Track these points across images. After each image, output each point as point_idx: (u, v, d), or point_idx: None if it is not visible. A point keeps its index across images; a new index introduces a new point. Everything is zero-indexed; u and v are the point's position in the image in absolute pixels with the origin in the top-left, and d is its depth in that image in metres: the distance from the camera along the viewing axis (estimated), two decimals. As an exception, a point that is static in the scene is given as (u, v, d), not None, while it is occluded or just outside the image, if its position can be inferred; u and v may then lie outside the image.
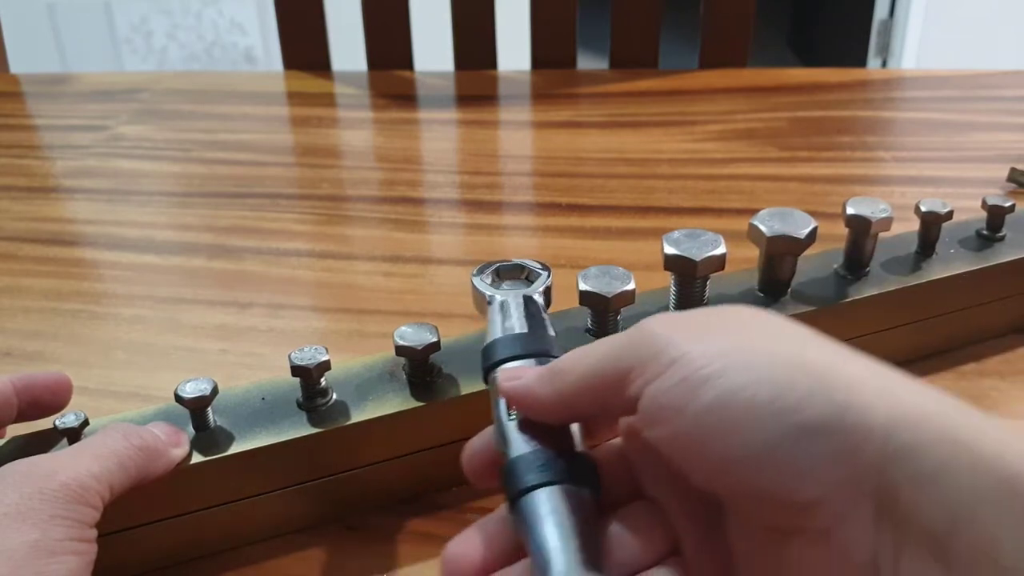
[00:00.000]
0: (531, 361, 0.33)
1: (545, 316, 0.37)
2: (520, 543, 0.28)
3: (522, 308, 0.37)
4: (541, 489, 0.28)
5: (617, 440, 0.32)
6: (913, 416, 0.24)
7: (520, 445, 0.30)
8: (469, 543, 0.29)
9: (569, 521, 0.27)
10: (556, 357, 0.33)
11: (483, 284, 0.39)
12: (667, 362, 0.26)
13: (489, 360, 0.34)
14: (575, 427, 0.31)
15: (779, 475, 0.24)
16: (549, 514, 0.27)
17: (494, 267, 0.40)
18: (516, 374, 0.31)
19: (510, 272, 0.40)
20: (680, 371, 0.26)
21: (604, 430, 0.32)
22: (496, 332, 0.35)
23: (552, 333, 0.35)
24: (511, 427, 0.30)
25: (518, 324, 0.35)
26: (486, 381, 0.34)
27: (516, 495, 0.28)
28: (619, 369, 0.28)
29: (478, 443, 0.32)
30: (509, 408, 0.31)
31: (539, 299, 0.38)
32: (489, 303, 0.38)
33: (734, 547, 0.28)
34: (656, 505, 0.29)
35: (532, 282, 0.39)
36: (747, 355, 0.26)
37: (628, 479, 0.30)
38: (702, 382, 0.25)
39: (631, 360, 0.28)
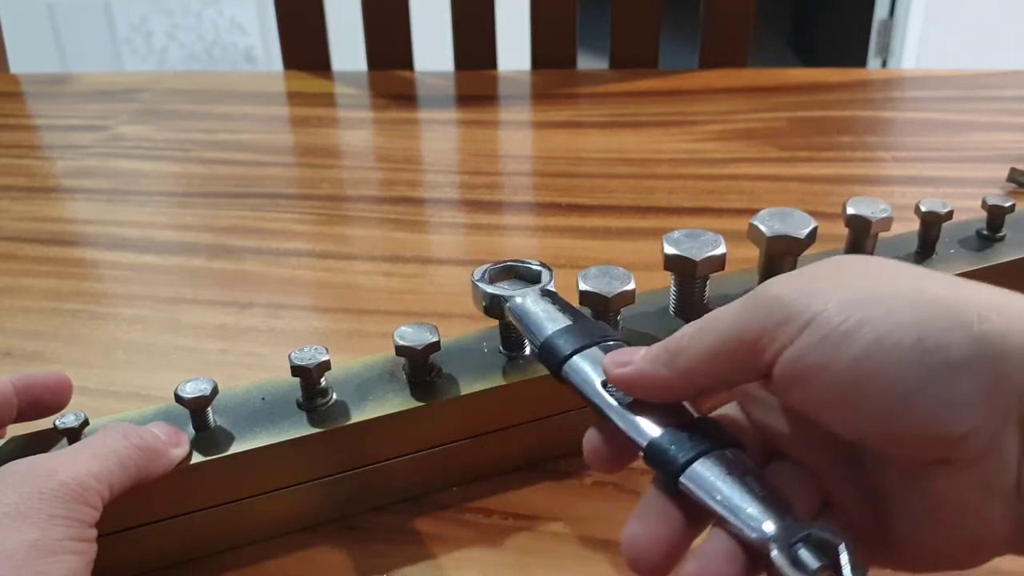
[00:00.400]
0: (597, 348, 0.33)
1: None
2: (687, 518, 0.28)
3: (551, 302, 0.37)
4: (703, 459, 0.28)
5: (730, 405, 0.32)
6: None
7: (653, 424, 0.29)
8: (644, 523, 0.28)
9: (749, 481, 0.27)
10: (618, 340, 0.33)
11: (496, 287, 0.39)
12: (801, 324, 0.27)
13: (559, 355, 0.33)
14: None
15: (932, 414, 0.25)
16: (725, 479, 0.27)
17: (486, 270, 0.40)
18: (622, 359, 0.31)
19: (501, 273, 0.41)
20: (818, 331, 0.26)
21: (709, 400, 0.33)
22: (542, 328, 0.35)
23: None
24: (629, 410, 0.30)
25: (561, 316, 0.35)
26: (558, 378, 0.34)
27: (678, 471, 0.28)
28: (745, 339, 0.28)
29: (595, 435, 0.31)
30: (609, 391, 0.31)
31: (554, 291, 0.38)
32: (510, 305, 0.38)
33: (882, 488, 0.28)
34: (795, 463, 0.29)
35: (532, 279, 0.40)
36: (879, 302, 0.26)
37: (758, 442, 0.31)
38: (844, 337, 0.26)
39: (757, 328, 0.28)
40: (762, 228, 0.43)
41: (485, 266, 0.40)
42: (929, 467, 0.26)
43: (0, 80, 1.00)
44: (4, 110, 0.93)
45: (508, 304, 0.38)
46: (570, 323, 0.35)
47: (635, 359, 0.30)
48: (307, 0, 0.98)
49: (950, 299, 0.26)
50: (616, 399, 0.31)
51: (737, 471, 0.27)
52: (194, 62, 2.18)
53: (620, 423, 0.30)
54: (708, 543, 0.27)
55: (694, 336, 0.29)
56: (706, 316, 0.30)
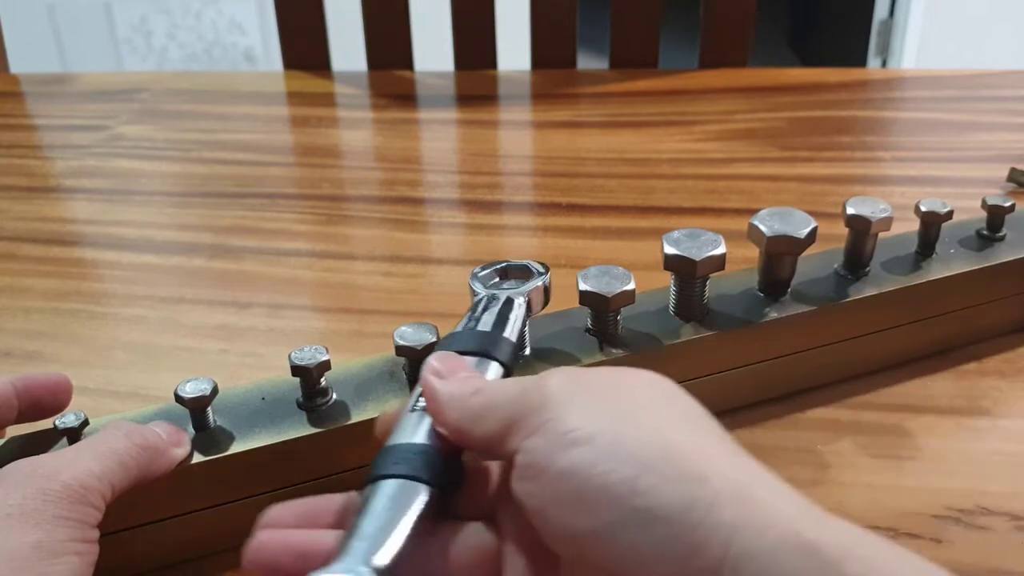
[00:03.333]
0: (475, 359, 0.34)
1: (516, 319, 0.37)
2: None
3: (501, 308, 0.37)
4: (388, 480, 0.29)
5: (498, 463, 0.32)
6: (760, 521, 0.23)
7: (402, 433, 0.31)
8: (289, 509, 0.30)
9: (390, 515, 0.27)
10: (500, 360, 0.34)
11: (474, 281, 0.40)
12: (542, 420, 0.27)
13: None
14: None
15: (617, 556, 0.24)
16: (377, 503, 0.28)
17: (491, 267, 0.41)
18: (449, 365, 0.32)
19: (506, 272, 0.41)
20: (550, 431, 0.26)
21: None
22: (460, 327, 0.36)
23: (511, 337, 0.36)
24: (410, 415, 0.32)
25: (484, 323, 0.36)
26: None
27: (369, 479, 0.29)
28: (509, 417, 0.28)
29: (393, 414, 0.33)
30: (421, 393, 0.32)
31: (520, 300, 0.38)
32: (475, 301, 0.39)
33: None
34: (493, 529, 0.30)
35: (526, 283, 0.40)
36: (616, 428, 0.26)
37: (485, 492, 0.31)
38: (565, 447, 0.26)
39: (518, 412, 0.28)
40: (762, 228, 0.43)
41: (490, 264, 0.41)
42: None
43: (0, 80, 1.00)
44: (4, 110, 0.93)
45: (475, 300, 0.39)
46: (477, 331, 0.36)
47: (459, 372, 0.31)
48: (307, 0, 0.99)
49: (687, 453, 0.25)
50: (415, 404, 0.32)
51: (401, 505, 0.28)
52: (194, 62, 2.18)
53: (398, 423, 0.32)
54: (322, 534, 0.29)
55: (487, 392, 0.30)
56: (509, 380, 0.30)
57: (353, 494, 0.30)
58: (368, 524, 0.27)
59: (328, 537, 0.29)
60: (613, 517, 0.24)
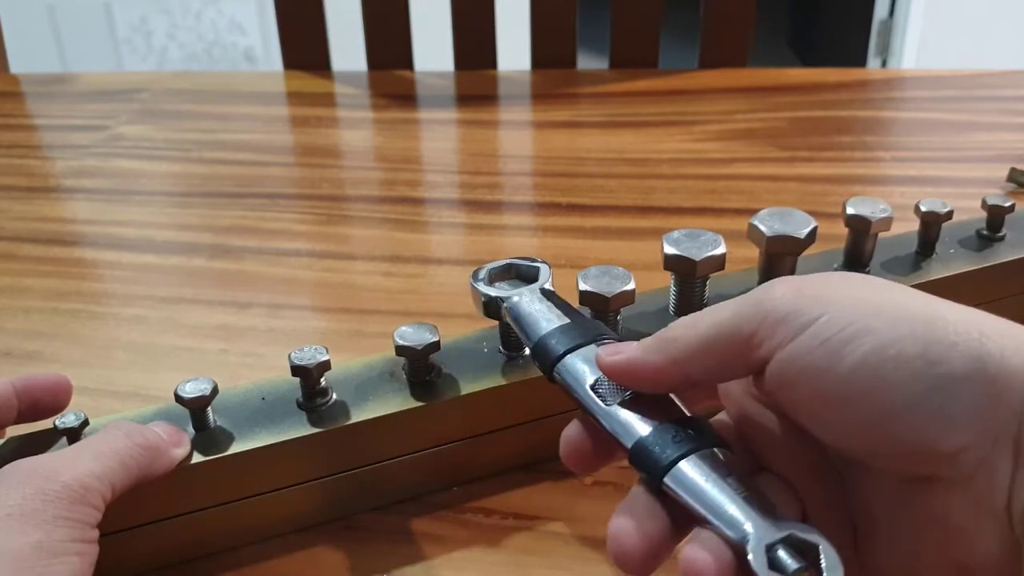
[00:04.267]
0: (591, 347, 0.32)
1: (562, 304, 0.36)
2: (673, 521, 0.28)
3: (548, 301, 0.37)
4: (687, 460, 0.27)
5: (721, 415, 0.32)
6: None
7: (639, 425, 0.29)
8: (631, 518, 0.28)
9: (732, 482, 0.27)
10: (614, 338, 0.33)
11: (494, 288, 0.39)
12: (800, 325, 0.27)
13: (552, 355, 0.33)
14: (676, 397, 0.31)
15: (928, 426, 0.25)
16: (708, 479, 0.27)
17: (485, 270, 0.40)
18: (615, 350, 0.31)
19: (500, 273, 0.40)
20: (819, 334, 0.26)
21: (702, 401, 0.33)
22: (537, 328, 0.35)
23: (586, 316, 0.35)
24: (617, 411, 0.30)
25: (556, 316, 0.35)
26: (551, 379, 0.33)
27: (662, 472, 0.28)
28: (742, 332, 0.28)
29: (574, 432, 0.31)
30: (596, 392, 0.31)
31: (552, 289, 0.38)
32: (507, 305, 0.37)
33: (867, 506, 0.28)
34: (777, 477, 0.29)
35: (531, 277, 0.39)
36: (883, 314, 0.26)
37: (743, 452, 0.30)
38: (845, 342, 0.26)
39: (755, 324, 0.28)
40: (762, 228, 0.43)
41: (483, 266, 0.40)
42: (916, 484, 0.26)
43: (0, 80, 1.00)
44: (4, 110, 0.93)
45: (505, 304, 0.38)
46: (565, 323, 0.34)
47: (628, 349, 0.30)
48: (307, 0, 0.99)
49: (954, 318, 0.26)
50: (605, 400, 0.30)
51: (721, 471, 0.27)
52: (194, 62, 2.18)
53: (606, 423, 0.30)
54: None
55: (689, 325, 0.29)
56: (702, 311, 0.30)
57: (644, 493, 0.28)
58: (724, 500, 0.26)
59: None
60: (914, 391, 0.25)
